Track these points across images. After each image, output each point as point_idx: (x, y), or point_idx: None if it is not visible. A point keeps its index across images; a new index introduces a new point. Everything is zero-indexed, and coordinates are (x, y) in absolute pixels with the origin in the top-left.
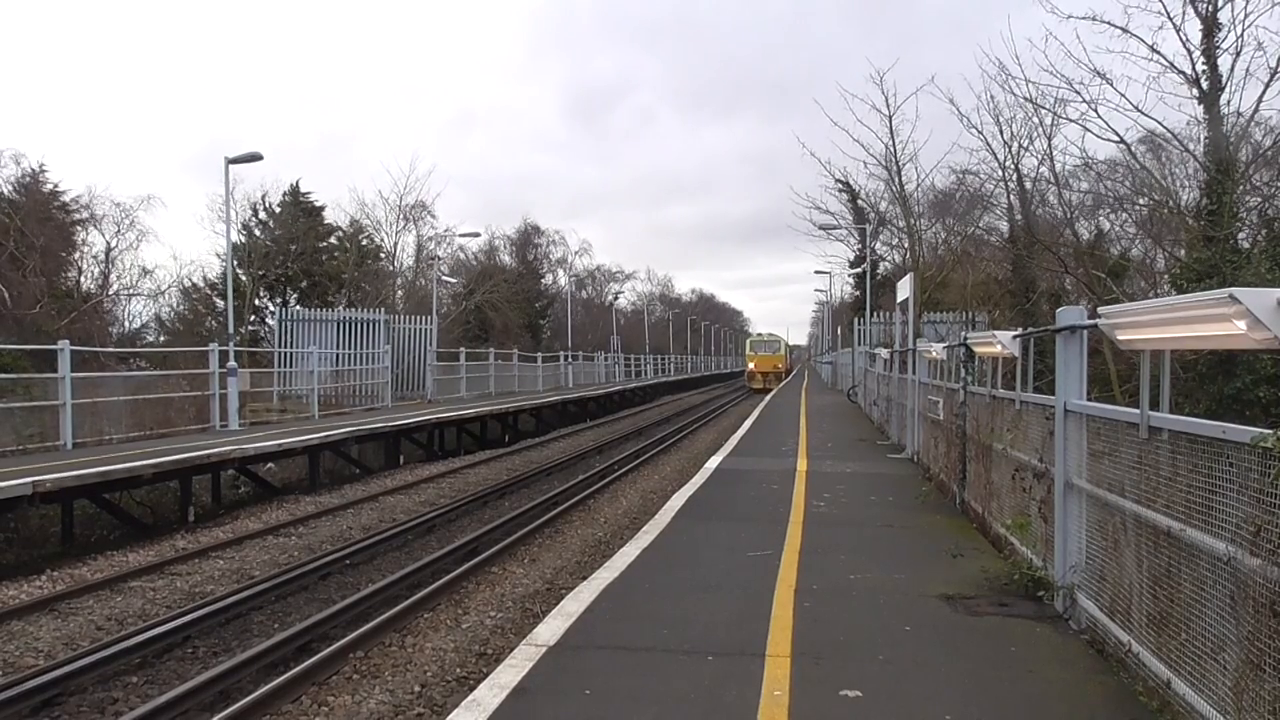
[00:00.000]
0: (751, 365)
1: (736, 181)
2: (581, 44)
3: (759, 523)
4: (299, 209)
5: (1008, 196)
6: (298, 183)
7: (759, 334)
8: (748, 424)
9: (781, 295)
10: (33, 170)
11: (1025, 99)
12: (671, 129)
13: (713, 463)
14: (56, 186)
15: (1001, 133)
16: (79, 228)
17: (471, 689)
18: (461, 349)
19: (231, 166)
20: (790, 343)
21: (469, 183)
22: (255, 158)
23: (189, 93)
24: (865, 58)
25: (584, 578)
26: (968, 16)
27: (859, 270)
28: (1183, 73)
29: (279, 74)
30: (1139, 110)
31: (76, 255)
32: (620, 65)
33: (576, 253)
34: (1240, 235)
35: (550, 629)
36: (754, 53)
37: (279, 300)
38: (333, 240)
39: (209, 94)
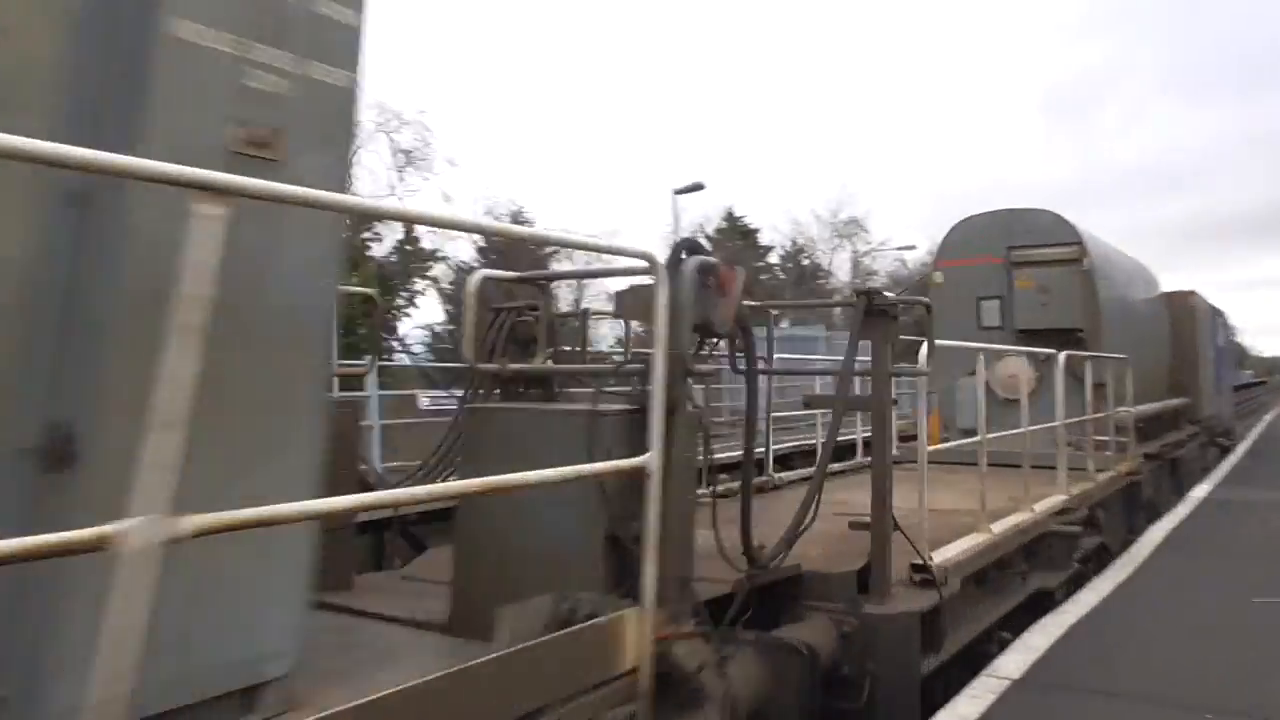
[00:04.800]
0: None
1: (1236, 169)
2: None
3: None
4: (735, 232)
5: None
6: (730, 209)
7: None
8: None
9: None
10: None
11: None
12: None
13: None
14: None
15: None
16: None
17: None
18: None
19: (678, 197)
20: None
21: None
22: (697, 188)
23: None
24: None
25: None
26: None
27: None
28: None
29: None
30: None
31: None
32: (1106, 54)
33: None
34: None
35: None
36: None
37: None
38: (772, 259)
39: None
